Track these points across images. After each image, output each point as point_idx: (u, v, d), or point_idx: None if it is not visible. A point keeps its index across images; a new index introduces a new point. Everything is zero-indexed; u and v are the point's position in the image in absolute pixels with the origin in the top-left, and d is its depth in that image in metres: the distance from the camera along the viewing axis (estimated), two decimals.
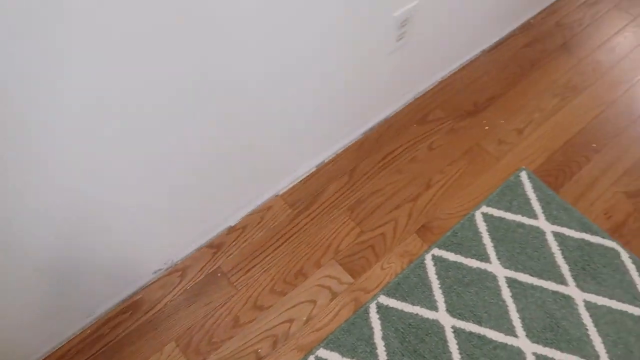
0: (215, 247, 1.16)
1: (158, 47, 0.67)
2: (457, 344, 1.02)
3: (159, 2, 0.62)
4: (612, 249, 1.14)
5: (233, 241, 1.16)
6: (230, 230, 1.18)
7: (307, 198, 1.23)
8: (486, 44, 1.52)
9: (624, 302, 1.07)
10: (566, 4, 1.65)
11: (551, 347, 1.02)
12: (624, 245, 1.15)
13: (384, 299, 1.08)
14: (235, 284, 1.11)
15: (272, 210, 1.21)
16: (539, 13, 1.62)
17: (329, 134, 1.23)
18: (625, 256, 1.13)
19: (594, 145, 1.32)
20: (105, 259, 0.96)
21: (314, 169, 1.27)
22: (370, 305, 1.07)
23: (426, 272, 1.11)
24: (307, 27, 0.87)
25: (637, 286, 1.09)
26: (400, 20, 1.06)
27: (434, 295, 1.08)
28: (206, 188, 1.03)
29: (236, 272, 1.12)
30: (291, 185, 1.25)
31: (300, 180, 1.25)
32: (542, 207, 1.20)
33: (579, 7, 1.65)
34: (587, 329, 1.04)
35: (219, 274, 1.12)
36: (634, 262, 1.12)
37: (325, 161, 1.29)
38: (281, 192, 1.24)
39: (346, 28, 0.95)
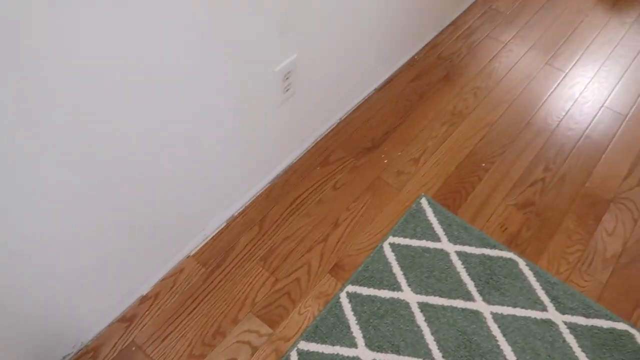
0: (127, 320, 1.12)
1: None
2: None
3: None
4: (511, 259, 1.22)
5: (146, 311, 1.13)
6: (143, 299, 1.15)
7: (220, 254, 1.23)
8: (376, 83, 1.62)
9: (526, 308, 1.15)
10: (444, 38, 1.81)
11: None
12: (520, 254, 1.24)
13: (304, 345, 1.08)
14: (151, 355, 1.07)
15: (184, 272, 1.19)
16: (421, 49, 1.76)
17: (236, 188, 1.25)
18: (522, 264, 1.22)
19: (484, 164, 1.43)
20: (9, 353, 0.90)
21: (224, 224, 1.28)
22: (291, 353, 1.07)
23: (342, 311, 1.13)
24: (196, 96, 0.91)
25: (536, 291, 1.17)
26: (283, 73, 1.12)
27: (352, 332, 1.10)
28: (114, 260, 1.00)
29: (151, 342, 1.09)
30: (202, 244, 1.24)
31: (211, 238, 1.25)
32: (444, 230, 1.27)
33: (456, 39, 1.81)
34: (497, 340, 1.10)
35: (134, 348, 1.08)
36: (530, 269, 1.21)
37: (235, 214, 1.30)
38: (193, 253, 1.23)
39: (233, 91, 0.99)
